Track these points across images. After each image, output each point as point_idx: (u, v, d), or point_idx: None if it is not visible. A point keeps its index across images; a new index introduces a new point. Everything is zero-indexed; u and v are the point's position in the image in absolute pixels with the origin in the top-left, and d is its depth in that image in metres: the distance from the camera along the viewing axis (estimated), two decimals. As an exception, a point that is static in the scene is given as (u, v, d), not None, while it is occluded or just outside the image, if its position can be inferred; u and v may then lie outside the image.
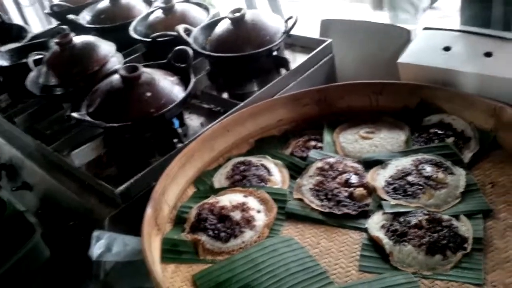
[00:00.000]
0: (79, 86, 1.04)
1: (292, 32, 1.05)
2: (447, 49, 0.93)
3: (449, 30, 0.97)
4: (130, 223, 0.76)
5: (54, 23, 1.66)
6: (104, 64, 1.06)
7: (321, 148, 0.89)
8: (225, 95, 1.09)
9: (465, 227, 0.69)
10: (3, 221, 1.01)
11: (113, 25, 1.34)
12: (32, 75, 1.12)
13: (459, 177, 0.77)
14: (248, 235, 0.74)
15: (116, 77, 0.94)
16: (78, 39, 1.11)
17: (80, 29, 1.36)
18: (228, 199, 0.78)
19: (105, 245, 0.77)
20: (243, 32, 1.04)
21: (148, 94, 0.90)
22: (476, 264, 0.64)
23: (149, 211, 0.73)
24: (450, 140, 0.84)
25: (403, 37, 1.04)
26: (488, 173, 0.78)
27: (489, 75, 0.85)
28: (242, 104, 0.96)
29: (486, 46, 0.90)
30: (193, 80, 0.95)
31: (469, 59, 0.89)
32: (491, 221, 0.70)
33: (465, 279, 0.62)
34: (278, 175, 0.85)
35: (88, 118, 0.90)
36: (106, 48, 1.10)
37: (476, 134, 0.84)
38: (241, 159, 0.89)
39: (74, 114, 0.89)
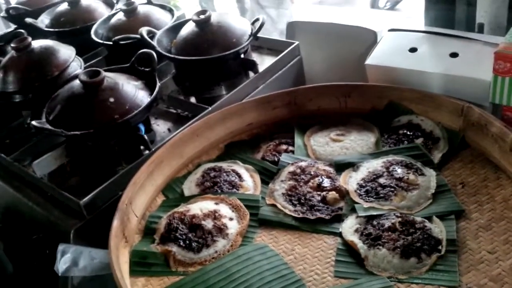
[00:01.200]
0: (38, 92, 1.00)
1: (259, 35, 1.04)
2: (413, 50, 0.94)
3: (415, 31, 0.98)
4: (97, 236, 0.73)
5: (12, 27, 1.58)
6: (64, 69, 1.02)
7: (292, 151, 0.88)
8: (192, 99, 1.06)
9: (438, 229, 0.69)
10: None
11: (73, 28, 1.29)
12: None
13: (430, 178, 0.77)
14: (220, 244, 0.72)
15: (77, 82, 0.90)
16: (36, 43, 1.07)
17: (39, 33, 1.31)
18: (199, 207, 0.76)
19: (71, 260, 0.73)
20: (209, 34, 1.02)
21: (111, 99, 0.87)
22: (451, 266, 0.64)
23: (116, 222, 0.70)
24: (419, 140, 0.84)
25: (370, 39, 1.04)
26: (458, 173, 0.79)
27: (456, 75, 0.86)
28: (210, 108, 0.94)
29: (452, 46, 0.91)
30: (158, 84, 0.92)
31: (435, 59, 0.90)
32: (463, 222, 0.70)
33: (440, 281, 0.62)
34: (249, 181, 0.83)
35: (48, 126, 0.86)
36: (66, 52, 1.06)
37: (444, 134, 0.84)
38: (212, 165, 0.86)
39: (34, 122, 0.85)
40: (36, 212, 0.86)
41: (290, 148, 0.89)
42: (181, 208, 0.77)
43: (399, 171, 0.78)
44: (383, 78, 0.95)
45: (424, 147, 0.83)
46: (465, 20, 0.98)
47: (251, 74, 1.05)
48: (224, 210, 0.76)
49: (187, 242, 0.71)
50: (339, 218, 0.74)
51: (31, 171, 0.88)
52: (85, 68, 1.06)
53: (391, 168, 0.79)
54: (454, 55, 0.90)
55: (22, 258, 0.97)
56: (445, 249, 0.66)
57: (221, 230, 0.73)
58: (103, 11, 1.34)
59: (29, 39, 1.05)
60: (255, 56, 1.13)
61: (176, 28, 1.09)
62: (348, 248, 0.69)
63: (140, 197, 0.78)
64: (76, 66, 1.07)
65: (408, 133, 0.86)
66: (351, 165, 0.82)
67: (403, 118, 0.90)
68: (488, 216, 0.70)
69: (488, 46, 0.88)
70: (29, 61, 1.03)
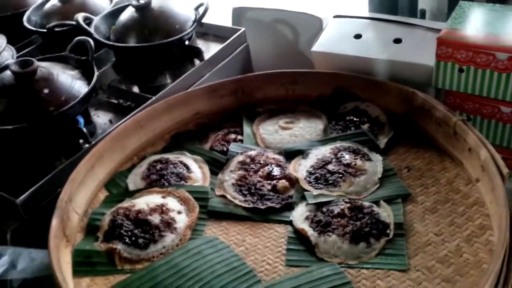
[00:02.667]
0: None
1: (204, 21, 1.01)
2: (358, 36, 0.95)
3: (359, 18, 0.98)
4: (36, 236, 0.69)
5: None
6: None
7: (241, 141, 0.87)
8: (135, 89, 1.02)
9: (386, 213, 0.70)
10: None
11: (3, 15, 1.21)
12: None
13: (377, 163, 0.78)
14: (169, 239, 0.69)
15: (7, 73, 0.84)
16: None
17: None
18: (145, 202, 0.73)
19: (8, 262, 0.70)
20: (150, 20, 0.98)
21: (46, 91, 0.82)
22: (399, 250, 0.65)
23: (55, 221, 0.66)
24: (365, 126, 0.85)
25: (316, 25, 1.04)
26: (403, 157, 0.80)
27: (399, 60, 0.88)
28: (154, 98, 0.91)
29: (395, 32, 0.93)
30: (96, 73, 0.88)
31: (379, 46, 0.91)
32: (410, 205, 0.71)
33: (390, 265, 0.63)
34: (198, 172, 0.81)
35: (-24, 121, 0.79)
36: (3, 55, 0.99)
37: (389, 120, 0.86)
38: (157, 157, 0.83)
39: (-42, 117, 0.78)
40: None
41: (239, 137, 0.88)
42: (126, 204, 0.74)
43: (347, 157, 0.79)
44: (330, 65, 0.95)
45: (371, 132, 0.84)
46: (407, 6, 1.00)
47: (197, 62, 1.02)
48: (172, 203, 0.74)
49: (133, 238, 0.68)
50: (290, 207, 0.74)
51: (-42, 169, 0.81)
52: (17, 57, 0.99)
53: (339, 155, 0.79)
54: (397, 41, 0.91)
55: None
56: (393, 232, 0.67)
57: (169, 224, 0.70)
58: (35, -4, 1.26)
59: None
60: (200, 43, 1.10)
61: (114, 13, 1.05)
62: (299, 236, 0.69)
63: (80, 194, 0.74)
64: (7, 55, 1.00)
65: (355, 119, 0.87)
66: (300, 153, 0.82)
67: (350, 104, 0.90)
68: (433, 199, 0.72)
69: (430, 32, 0.90)
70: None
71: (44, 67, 0.84)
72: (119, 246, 0.68)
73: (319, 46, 0.96)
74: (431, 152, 0.80)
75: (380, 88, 0.88)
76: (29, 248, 0.72)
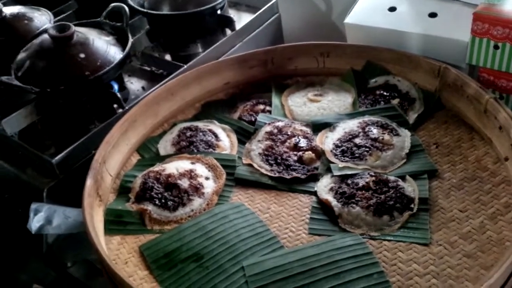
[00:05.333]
0: (5, 48, 0.95)
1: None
2: (392, 9, 0.93)
3: (395, -10, 0.96)
4: (70, 195, 0.72)
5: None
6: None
7: (269, 112, 0.87)
8: (167, 57, 1.04)
9: (411, 188, 0.70)
10: None
11: (41, -19, 1.23)
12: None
13: (405, 138, 0.78)
14: (196, 202, 0.71)
15: (45, 37, 0.87)
16: (8, 11, 1.02)
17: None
18: (175, 167, 0.75)
19: (44, 218, 0.73)
20: (185, -12, 0.99)
21: (82, 55, 0.84)
22: (423, 224, 0.65)
23: (89, 181, 0.69)
24: (395, 101, 0.85)
25: (350, -3, 1.02)
26: (432, 133, 0.80)
27: (434, 35, 0.86)
28: (186, 66, 0.92)
29: (431, 6, 0.91)
30: (131, 40, 0.89)
31: (414, 19, 0.90)
32: (436, 181, 0.71)
33: (412, 239, 0.64)
34: (226, 140, 0.83)
35: (17, 82, 0.83)
36: (41, 19, 1.01)
37: (420, 95, 0.85)
38: (187, 124, 0.85)
39: (2, 78, 0.82)
40: (8, 171, 0.84)
41: (267, 108, 0.88)
42: (157, 168, 0.76)
43: (374, 131, 0.79)
44: (362, 38, 0.94)
45: (400, 107, 0.83)
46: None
47: (228, 31, 1.03)
48: (200, 169, 0.76)
49: (163, 201, 0.71)
50: (315, 178, 0.75)
51: (0, 129, 0.85)
52: (54, 22, 1.01)
53: (366, 129, 0.79)
54: (433, 15, 0.89)
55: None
56: (417, 207, 0.67)
57: (197, 189, 0.73)
58: (72, -38, 1.28)
59: (0, 5, 1.00)
60: (232, 13, 1.10)
61: (150, -19, 1.05)
62: (323, 207, 0.70)
63: (114, 156, 0.77)
64: (45, 20, 1.03)
65: (385, 93, 0.86)
66: (327, 126, 0.82)
67: (380, 78, 0.89)
68: (460, 176, 0.72)
69: (467, 7, 0.87)
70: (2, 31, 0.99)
71: (80, 32, 0.87)
72: (149, 207, 0.71)
73: (351, 18, 0.95)
74: (461, 129, 0.79)
75: (412, 63, 0.86)
76: (63, 206, 0.75)
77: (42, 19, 1.03)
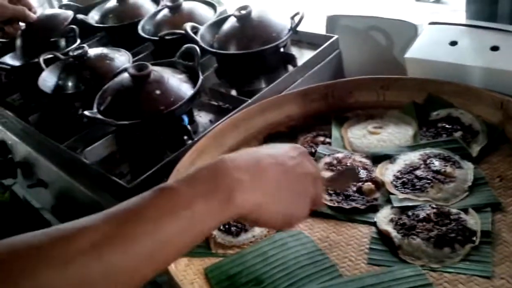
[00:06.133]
0: (90, 85, 1.06)
1: (299, 29, 1.06)
2: (453, 43, 0.94)
3: (455, 25, 0.97)
4: None
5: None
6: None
7: (329, 143, 0.90)
8: (233, 92, 1.10)
9: (473, 220, 0.69)
10: (20, 218, 1.03)
11: (121, 24, 1.35)
12: (43, 74, 1.13)
13: (467, 171, 0.77)
14: (258, 229, 0.75)
15: (125, 75, 0.95)
16: (92, 52, 1.13)
17: (89, 28, 1.38)
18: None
19: None
20: (249, 29, 1.05)
21: (158, 92, 0.91)
22: (485, 257, 0.64)
23: (161, 206, 0.74)
24: (458, 134, 0.84)
25: (410, 32, 1.04)
26: (496, 166, 0.78)
27: (496, 68, 0.86)
28: (250, 100, 0.97)
29: (492, 40, 0.90)
30: (201, 77, 0.96)
31: (475, 53, 0.90)
32: (499, 215, 0.70)
33: (473, 271, 0.63)
34: (287, 171, 0.86)
35: (99, 116, 0.91)
36: (120, 59, 1.12)
37: (484, 128, 0.84)
38: (251, 155, 0.89)
39: (86, 112, 0.91)
40: (87, 196, 0.92)
41: (327, 140, 0.91)
42: (221, 195, 0.81)
43: (436, 163, 0.78)
44: (423, 72, 0.95)
45: (463, 140, 0.82)
46: (508, 13, 0.96)
47: (290, 67, 1.07)
48: (262, 197, 0.79)
49: (227, 226, 0.75)
50: (375, 209, 0.76)
51: (83, 158, 0.94)
52: (133, 62, 1.11)
53: (428, 161, 0.79)
54: (495, 48, 0.89)
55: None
56: (479, 240, 0.66)
57: (259, 216, 0.76)
58: (149, 7, 1.40)
59: (86, 47, 1.12)
60: (294, 50, 1.15)
61: (218, 23, 1.13)
62: (382, 237, 0.71)
63: (183, 184, 0.82)
64: (124, 60, 1.13)
65: (447, 126, 0.86)
66: (388, 157, 0.83)
67: (442, 111, 0.89)
68: (525, 210, 0.70)
69: (530, 40, 0.87)
70: (86, 70, 1.10)
71: (156, 70, 0.95)
72: (214, 232, 0.75)
73: (412, 52, 0.96)
74: (525, 162, 0.77)
75: (475, 96, 0.86)
76: None
77: (122, 59, 1.13)
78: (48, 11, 1.38)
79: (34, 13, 1.29)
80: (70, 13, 1.30)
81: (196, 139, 0.90)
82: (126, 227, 0.47)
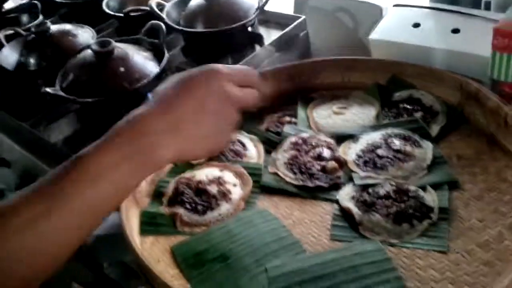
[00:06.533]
0: (52, 61, 1.04)
1: (267, 9, 1.06)
2: (416, 25, 0.96)
3: (419, 7, 0.99)
4: None
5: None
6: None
7: (295, 123, 0.91)
8: (200, 71, 1.09)
9: (431, 197, 0.72)
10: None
11: (85, 0, 1.32)
12: (4, 50, 1.10)
13: (427, 150, 0.80)
14: (224, 207, 0.76)
15: (88, 52, 0.94)
16: (55, 28, 1.10)
17: (52, 4, 1.34)
18: (205, 173, 0.80)
19: None
20: (216, 7, 1.05)
21: (122, 69, 0.91)
22: (442, 233, 0.67)
23: (126, 185, 0.74)
24: (418, 114, 0.86)
25: (375, 14, 1.05)
26: (454, 146, 0.81)
27: (457, 50, 0.88)
28: (217, 80, 0.97)
29: (454, 22, 0.93)
30: (166, 55, 0.95)
31: (437, 35, 0.92)
32: (456, 192, 0.73)
33: (430, 246, 0.66)
34: (253, 150, 0.87)
35: (61, 93, 0.90)
36: (84, 35, 1.10)
37: (444, 109, 0.86)
38: (217, 134, 0.90)
39: (48, 89, 0.89)
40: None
41: (293, 120, 0.92)
42: (188, 174, 0.81)
43: (397, 143, 0.81)
44: (387, 53, 0.96)
45: (423, 121, 0.85)
46: (471, -4, 0.99)
47: (257, 47, 1.07)
48: (228, 176, 0.80)
49: (193, 205, 0.75)
50: (337, 187, 0.78)
51: (46, 136, 0.92)
52: (96, 38, 1.09)
53: (389, 140, 0.82)
54: (456, 31, 0.91)
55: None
56: (436, 216, 0.69)
57: (225, 195, 0.77)
58: (114, -17, 1.36)
59: (49, 23, 1.10)
60: (262, 30, 1.15)
61: (185, 0, 1.12)
62: (344, 214, 0.73)
63: (149, 163, 0.82)
64: (88, 36, 1.11)
65: (408, 107, 0.88)
66: (351, 137, 0.85)
67: (404, 92, 0.91)
68: (480, 187, 0.73)
69: (490, 23, 0.89)
70: (49, 46, 1.08)
71: (120, 47, 0.93)
72: (180, 210, 0.75)
73: (376, 34, 0.98)
74: (482, 142, 0.80)
75: (436, 77, 0.88)
76: None
77: (85, 36, 1.11)
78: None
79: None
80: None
81: (161, 118, 0.89)
82: (56, 200, 0.52)
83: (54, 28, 1.10)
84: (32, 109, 1.03)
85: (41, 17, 1.28)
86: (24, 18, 1.30)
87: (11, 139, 1.01)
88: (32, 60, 1.08)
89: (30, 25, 1.21)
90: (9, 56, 1.10)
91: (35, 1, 1.32)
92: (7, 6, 1.59)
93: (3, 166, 1.06)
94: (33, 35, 1.09)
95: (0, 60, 1.07)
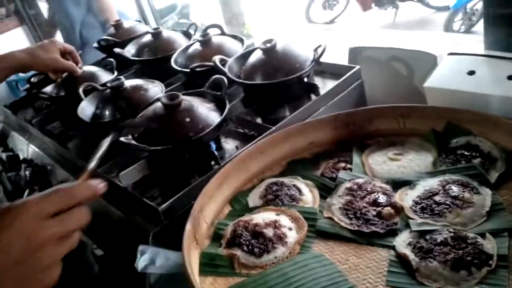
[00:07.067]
0: (125, 113, 1.13)
1: (322, 60, 1.10)
2: (471, 73, 0.96)
3: (473, 55, 1.00)
4: (172, 239, 0.81)
5: (101, 56, 1.78)
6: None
7: (350, 169, 0.93)
8: (258, 120, 1.15)
9: (490, 245, 0.70)
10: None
11: (155, 58, 1.44)
12: (83, 104, 1.22)
13: (485, 197, 0.79)
14: (280, 251, 0.78)
15: (158, 104, 1.02)
16: (128, 83, 1.21)
17: (125, 61, 1.47)
18: (262, 217, 0.83)
19: (149, 259, 0.82)
20: (274, 61, 1.11)
21: (187, 119, 0.97)
22: (501, 281, 0.66)
23: (188, 226, 0.79)
24: (476, 161, 0.86)
25: (430, 62, 1.07)
26: (514, 192, 0.80)
27: (513, 97, 0.88)
28: (274, 128, 1.02)
29: (509, 69, 0.93)
30: (227, 106, 1.01)
31: (493, 82, 0.92)
32: (516, 239, 0.71)
33: (489, 294, 0.64)
34: (309, 195, 0.89)
35: (133, 142, 0.97)
36: (154, 90, 1.19)
37: (503, 155, 0.85)
38: (274, 180, 0.94)
39: (122, 139, 0.97)
40: (120, 218, 0.97)
41: (348, 166, 0.94)
42: (246, 217, 0.84)
43: (455, 189, 0.80)
44: (442, 101, 0.97)
45: (482, 167, 0.84)
46: (525, 43, 0.99)
47: (313, 96, 1.12)
48: (284, 220, 0.83)
49: (250, 247, 0.78)
50: (394, 233, 0.78)
51: (117, 181, 1.00)
52: (165, 92, 1.18)
53: (447, 187, 0.81)
54: (511, 77, 0.91)
55: (106, 259, 1.09)
56: (495, 263, 0.67)
57: (280, 238, 0.79)
58: (181, 42, 1.48)
59: (123, 79, 1.20)
60: (317, 80, 1.19)
61: (245, 55, 1.19)
62: (401, 261, 0.73)
63: (210, 206, 0.87)
64: (157, 90, 1.20)
65: (466, 153, 0.88)
66: (407, 183, 0.85)
67: (462, 139, 0.91)
68: (542, 235, 0.71)
69: (547, 69, 0.89)
70: (123, 100, 1.18)
71: (186, 100, 1.01)
72: (238, 252, 0.78)
73: (432, 82, 0.99)
74: (544, 188, 0.78)
75: (493, 124, 0.88)
76: (165, 249, 0.84)
77: (155, 89, 1.20)
78: (90, 68, 1.48)
79: (80, 68, 1.42)
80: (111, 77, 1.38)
81: (222, 164, 0.95)
82: None
83: (127, 83, 1.21)
84: (106, 156, 1.12)
85: (116, 72, 1.41)
86: (101, 74, 1.43)
87: (86, 184, 1.10)
88: (107, 112, 1.18)
89: (106, 81, 1.33)
90: (87, 108, 1.21)
91: (111, 59, 1.46)
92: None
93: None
94: (108, 90, 1.21)
95: (79, 112, 1.19)
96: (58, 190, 0.60)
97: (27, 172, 1.28)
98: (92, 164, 0.69)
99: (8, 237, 0.54)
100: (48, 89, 1.44)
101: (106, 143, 0.74)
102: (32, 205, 0.57)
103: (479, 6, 3.95)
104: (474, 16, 4.11)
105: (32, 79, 1.60)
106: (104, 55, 1.72)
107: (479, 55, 1.00)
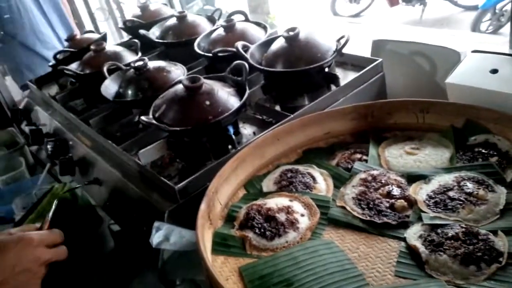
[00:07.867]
0: (147, 93, 1.16)
1: (345, 51, 1.10)
2: (494, 71, 0.96)
3: (498, 54, 0.99)
4: (187, 218, 0.83)
5: (126, 37, 1.81)
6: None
7: (366, 161, 0.93)
8: (277, 107, 1.16)
9: (501, 242, 0.71)
10: (77, 212, 1.12)
11: (179, 41, 1.45)
12: (106, 83, 1.24)
13: (500, 195, 0.79)
14: (291, 235, 0.79)
15: (180, 86, 1.04)
16: (151, 64, 1.22)
17: (149, 43, 1.49)
18: (275, 202, 0.85)
19: (163, 235, 0.84)
20: (296, 49, 1.11)
21: (207, 102, 0.99)
22: (510, 278, 0.66)
23: (203, 206, 0.81)
24: (494, 159, 0.86)
25: (453, 59, 1.07)
26: (529, 192, 0.79)
27: (536, 97, 0.87)
28: (292, 116, 1.03)
29: (534, 69, 0.92)
30: (247, 92, 1.02)
31: (516, 81, 0.91)
32: (528, 238, 0.71)
33: (497, 290, 0.65)
34: (323, 184, 0.90)
35: (154, 121, 0.99)
36: (176, 72, 1.20)
37: (520, 155, 0.85)
38: (289, 167, 0.95)
39: (143, 118, 0.99)
40: (138, 194, 1.00)
41: (364, 157, 0.94)
42: (259, 201, 0.86)
43: (469, 186, 0.80)
44: (463, 97, 0.97)
45: (499, 166, 0.84)
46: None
47: (333, 87, 1.12)
48: (297, 206, 0.84)
49: (262, 230, 0.80)
50: (405, 225, 0.78)
51: (137, 159, 1.02)
52: (188, 75, 1.19)
53: (462, 183, 0.81)
54: (535, 77, 0.90)
55: (122, 235, 1.12)
56: (505, 261, 0.68)
57: (292, 223, 0.81)
58: (205, 26, 1.50)
59: (146, 60, 1.21)
60: (338, 71, 1.20)
61: (268, 43, 1.20)
62: (411, 252, 0.73)
63: (224, 188, 0.89)
64: (180, 73, 1.22)
65: (484, 151, 0.88)
66: (422, 178, 0.86)
67: (480, 136, 0.91)
68: (556, 235, 0.71)
69: None
70: (145, 80, 1.20)
71: (207, 83, 1.02)
72: (250, 234, 0.80)
73: (454, 78, 0.99)
74: (561, 190, 0.78)
75: (513, 123, 0.88)
76: (180, 227, 0.86)
77: (178, 72, 1.22)
78: (115, 48, 1.49)
79: None
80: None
81: (239, 148, 0.96)
82: None
83: (150, 64, 1.22)
84: (126, 134, 1.15)
85: (140, 53, 1.42)
86: (125, 54, 1.45)
87: (105, 160, 1.13)
88: (129, 92, 1.20)
89: (130, 61, 1.35)
90: (110, 87, 1.24)
91: (135, 40, 1.48)
92: (110, 42, 1.79)
93: (96, 184, 1.18)
94: (132, 70, 1.23)
95: (102, 90, 1.21)
96: (53, 232, 0.86)
97: (49, 146, 1.31)
98: (50, 214, 0.89)
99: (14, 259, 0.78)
100: (73, 66, 1.46)
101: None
102: (36, 239, 0.81)
103: (509, 7, 3.86)
104: (503, 17, 4.02)
105: (58, 56, 1.64)
106: (128, 36, 1.75)
107: (503, 54, 0.99)
